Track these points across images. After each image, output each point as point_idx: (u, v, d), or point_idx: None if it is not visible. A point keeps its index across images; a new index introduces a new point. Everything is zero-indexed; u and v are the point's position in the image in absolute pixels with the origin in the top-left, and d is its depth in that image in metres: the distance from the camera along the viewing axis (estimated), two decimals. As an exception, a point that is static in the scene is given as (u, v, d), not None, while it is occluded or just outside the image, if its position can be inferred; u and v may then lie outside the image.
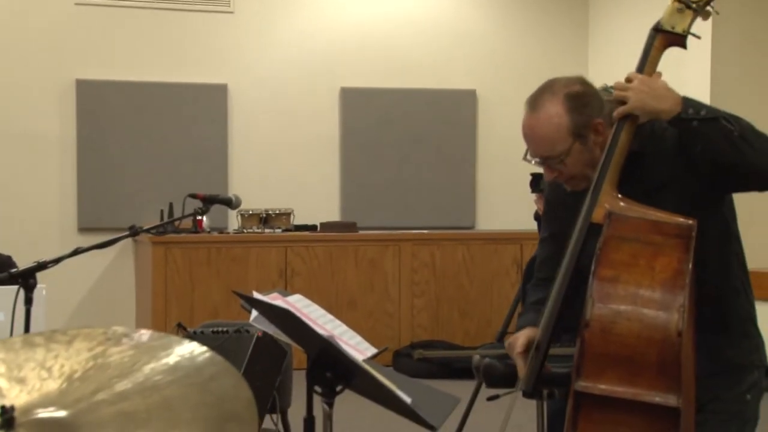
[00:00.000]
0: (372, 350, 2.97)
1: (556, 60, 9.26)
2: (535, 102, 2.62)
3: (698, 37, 2.54)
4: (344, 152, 9.19)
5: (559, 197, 2.78)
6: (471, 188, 9.32)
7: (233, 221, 8.58)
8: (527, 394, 2.64)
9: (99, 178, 8.47)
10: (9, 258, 4.67)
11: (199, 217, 8.09)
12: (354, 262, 8.37)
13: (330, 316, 3.08)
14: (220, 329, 3.92)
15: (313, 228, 8.49)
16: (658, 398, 2.24)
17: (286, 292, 3.02)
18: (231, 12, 8.98)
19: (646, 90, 2.46)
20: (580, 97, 2.60)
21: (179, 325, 3.90)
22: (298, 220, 8.50)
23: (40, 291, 4.09)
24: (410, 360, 7.98)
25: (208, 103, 8.86)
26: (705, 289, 2.49)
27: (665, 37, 2.54)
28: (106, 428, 1.33)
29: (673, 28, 2.52)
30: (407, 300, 8.47)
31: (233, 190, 8.76)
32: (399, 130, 9.11)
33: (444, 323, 8.46)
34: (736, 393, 2.57)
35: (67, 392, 1.39)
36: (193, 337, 3.86)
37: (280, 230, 8.34)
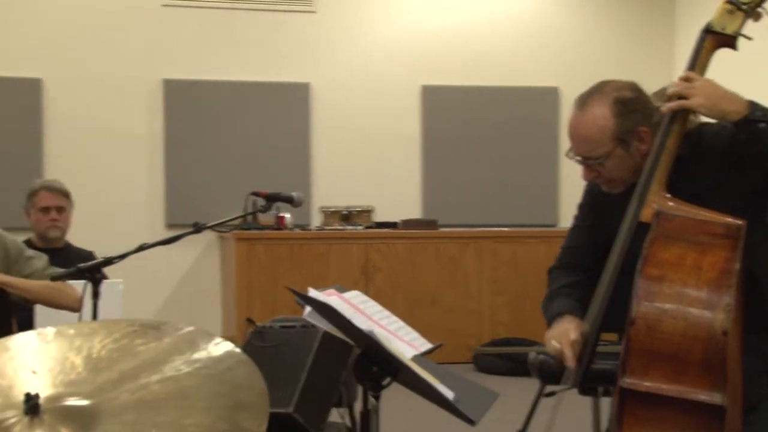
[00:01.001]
0: (427, 346, 3.01)
1: (640, 55, 9.18)
2: (583, 101, 2.65)
3: (749, 39, 2.53)
4: (425, 150, 9.23)
5: (601, 190, 2.78)
6: (553, 186, 9.27)
7: (315, 218, 8.70)
8: (581, 391, 2.67)
9: (186, 176, 8.66)
10: (91, 253, 4.82)
11: (282, 215, 8.25)
12: (435, 259, 8.40)
13: (386, 312, 3.13)
14: (288, 324, 3.97)
15: (394, 225, 8.53)
16: (703, 396, 2.24)
17: (343, 288, 3.08)
18: (314, 11, 9.08)
19: (713, 90, 2.46)
20: (629, 103, 2.61)
21: (248, 320, 3.96)
22: (379, 217, 8.58)
23: (117, 286, 4.25)
24: (491, 357, 8.01)
25: (290, 102, 8.99)
26: (757, 290, 2.49)
27: (715, 39, 2.54)
28: (125, 415, 1.40)
29: (723, 29, 2.51)
30: (488, 297, 8.48)
31: (315, 188, 8.91)
32: (480, 127, 9.12)
33: (525, 321, 8.41)
34: None
35: (92, 381, 1.48)
36: (261, 331, 3.92)
37: (361, 227, 8.42)
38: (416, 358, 2.77)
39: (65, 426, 1.38)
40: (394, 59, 9.16)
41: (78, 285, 3.25)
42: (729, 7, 2.51)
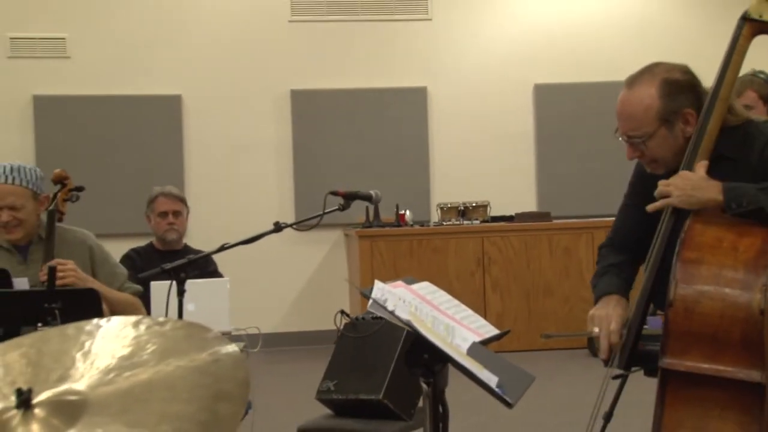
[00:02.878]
0: (492, 332, 2.94)
1: (754, 52, 8.80)
2: (633, 81, 2.58)
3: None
4: (539, 146, 9.12)
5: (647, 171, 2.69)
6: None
7: (434, 214, 8.68)
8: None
9: (313, 179, 8.76)
10: (206, 254, 4.91)
11: (402, 212, 8.27)
12: (548, 250, 8.27)
13: (455, 302, 3.07)
14: (379, 315, 3.97)
15: (509, 219, 8.44)
16: (741, 374, 2.16)
17: (413, 280, 3.04)
18: (429, 19, 9.09)
19: (687, 184, 2.39)
20: (677, 85, 2.53)
21: (342, 312, 3.98)
22: (494, 211, 8.49)
23: (224, 284, 4.31)
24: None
25: (409, 106, 9.01)
26: None
27: (753, 26, 2.46)
28: (112, 406, 1.41)
29: (761, 16, 2.43)
30: (602, 286, 8.27)
31: (433, 185, 8.92)
32: (591, 122, 8.91)
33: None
34: None
35: (84, 374, 1.49)
36: (354, 322, 3.94)
37: (477, 221, 8.36)
38: (474, 345, 2.72)
39: (55, 418, 1.39)
40: (506, 60, 9.08)
41: (164, 284, 3.29)
42: None
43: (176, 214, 4.99)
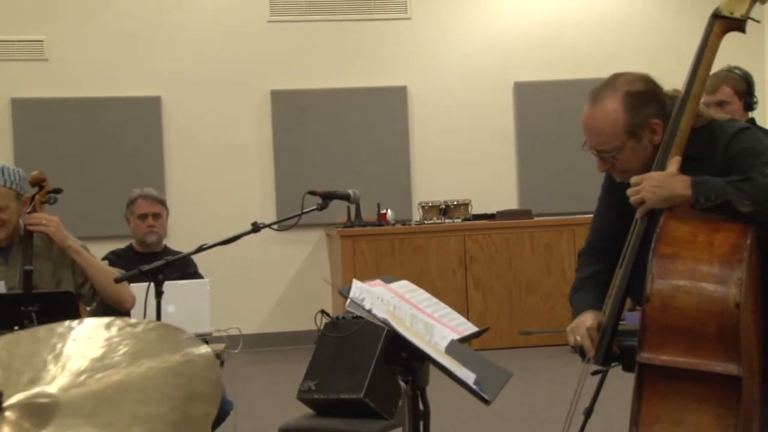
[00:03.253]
0: (472, 329, 2.94)
1: (729, 48, 8.83)
2: (596, 96, 2.58)
3: (757, 21, 2.44)
4: (519, 144, 9.14)
5: None
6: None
7: (416, 213, 8.69)
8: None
9: (294, 178, 8.74)
10: (186, 256, 4.90)
11: (383, 211, 8.27)
12: (530, 247, 8.29)
13: (434, 300, 3.07)
14: (359, 314, 3.96)
15: (490, 217, 8.45)
16: (718, 368, 2.16)
17: (391, 279, 3.04)
18: (408, 18, 9.10)
19: (655, 184, 2.39)
20: (640, 96, 2.53)
21: (322, 312, 3.97)
22: (476, 209, 8.49)
23: (204, 285, 4.30)
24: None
25: (389, 105, 9.01)
26: None
27: (724, 23, 2.48)
28: (84, 408, 1.40)
29: (731, 13, 2.46)
30: (583, 282, 8.30)
31: (415, 184, 8.93)
32: (572, 119, 8.83)
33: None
34: None
35: (55, 376, 1.48)
36: (334, 322, 3.92)
37: (459, 220, 8.37)
38: (452, 343, 2.72)
39: (27, 420, 1.39)
40: (485, 58, 9.10)
41: (142, 286, 3.28)
42: None
43: (156, 216, 4.96)
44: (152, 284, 3.11)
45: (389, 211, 8.32)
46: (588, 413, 3.89)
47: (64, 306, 2.99)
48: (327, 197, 3.50)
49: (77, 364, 1.51)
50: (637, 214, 2.44)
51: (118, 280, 3.39)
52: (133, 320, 1.66)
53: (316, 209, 3.49)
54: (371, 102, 8.97)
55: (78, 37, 8.60)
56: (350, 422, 3.71)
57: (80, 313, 3.19)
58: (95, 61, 8.60)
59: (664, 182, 2.37)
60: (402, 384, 2.51)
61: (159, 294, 3.09)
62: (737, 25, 2.47)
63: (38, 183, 3.72)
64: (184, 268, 4.57)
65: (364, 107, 8.95)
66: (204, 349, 1.55)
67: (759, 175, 2.29)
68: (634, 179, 2.44)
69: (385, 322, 2.41)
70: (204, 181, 8.74)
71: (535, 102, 9.10)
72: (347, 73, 8.98)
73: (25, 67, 8.51)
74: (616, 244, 2.58)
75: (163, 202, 5.05)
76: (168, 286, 3.28)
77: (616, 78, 2.58)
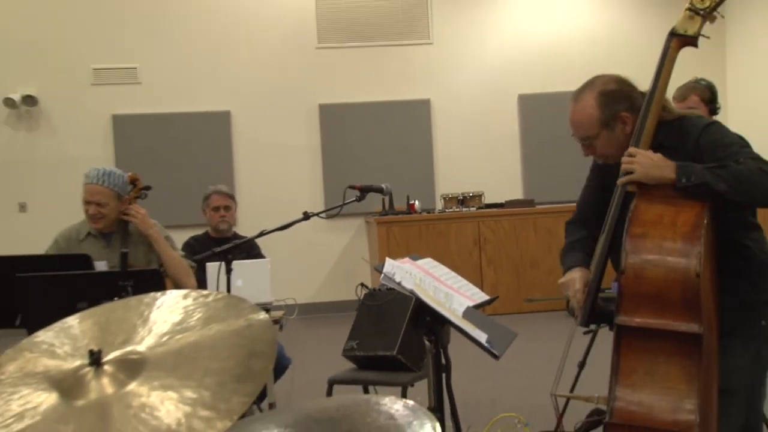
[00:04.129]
0: (484, 298, 2.95)
1: (693, 63, 8.73)
2: (577, 95, 2.58)
3: (707, 38, 2.41)
4: (523, 145, 9.10)
5: None
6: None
7: (438, 203, 8.67)
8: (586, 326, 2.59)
9: (339, 176, 8.77)
10: (251, 240, 4.93)
11: (412, 202, 8.27)
12: (534, 231, 8.25)
13: (453, 273, 3.07)
14: (392, 287, 3.96)
15: (500, 205, 8.43)
16: (683, 327, 2.14)
17: (417, 257, 3.05)
18: (431, 43, 9.07)
19: (647, 161, 2.35)
20: (612, 94, 2.52)
21: (361, 284, 3.98)
22: (488, 199, 8.47)
23: (265, 265, 4.32)
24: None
25: (416, 115, 8.99)
26: (724, 243, 2.37)
27: (679, 40, 2.44)
28: (166, 363, 1.43)
29: (686, 31, 2.43)
30: (578, 258, 8.25)
31: (438, 179, 8.90)
32: (567, 124, 8.83)
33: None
34: (754, 321, 2.40)
35: (143, 337, 1.51)
36: (371, 293, 3.94)
37: (474, 208, 8.35)
38: (468, 309, 2.73)
39: (121, 373, 1.42)
40: (494, 75, 9.06)
41: (215, 265, 3.32)
42: (689, 13, 2.43)
43: (227, 208, 5.00)
44: (223, 263, 3.14)
45: (417, 202, 8.33)
46: (581, 365, 3.88)
47: (152, 281, 3.02)
48: (364, 190, 3.49)
49: (161, 327, 1.54)
50: (619, 181, 2.41)
51: (197, 261, 3.42)
52: (205, 292, 1.69)
53: (356, 200, 3.49)
54: (401, 112, 8.96)
55: (164, 64, 8.67)
56: (386, 374, 3.73)
57: (165, 286, 3.22)
58: (178, 84, 8.67)
59: (656, 163, 2.34)
60: (427, 343, 2.52)
61: (228, 271, 3.12)
62: (691, 41, 2.43)
63: (133, 182, 3.77)
64: (249, 250, 4.59)
65: (395, 117, 8.95)
66: (262, 315, 1.57)
67: (733, 163, 2.27)
68: (630, 150, 2.40)
69: (412, 292, 2.43)
70: (265, 179, 8.79)
71: (535, 110, 9.05)
72: (381, 89, 8.98)
73: (123, 90, 8.59)
74: (598, 217, 2.57)
75: (232, 197, 5.08)
76: (236, 264, 3.31)
77: (594, 79, 2.58)
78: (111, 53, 8.59)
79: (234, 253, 3.19)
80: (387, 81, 8.99)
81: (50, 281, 3.03)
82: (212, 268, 3.73)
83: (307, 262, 8.73)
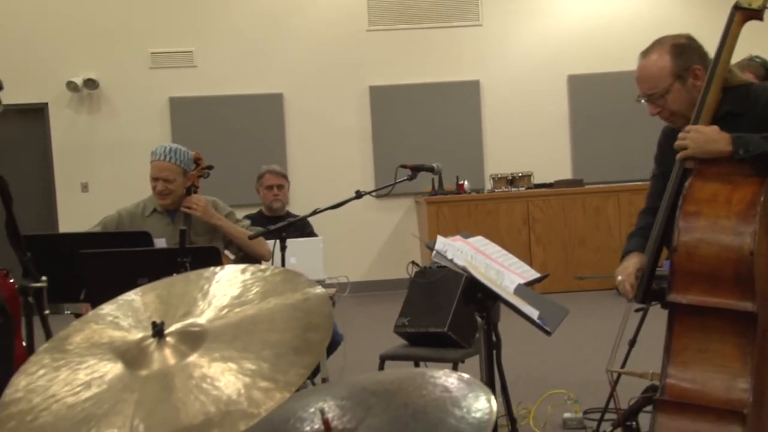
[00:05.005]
0: (534, 275, 2.91)
1: (751, 39, 8.50)
2: (646, 51, 2.54)
3: (773, 11, 2.34)
4: (572, 125, 8.98)
5: (667, 144, 2.62)
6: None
7: (487, 183, 8.61)
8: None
9: (389, 156, 8.74)
10: (303, 219, 4.95)
11: (461, 182, 8.22)
12: (582, 210, 8.16)
13: (504, 251, 3.04)
14: (444, 264, 3.93)
15: (549, 185, 8.34)
16: (736, 306, 2.10)
17: (468, 235, 3.03)
18: (480, 25, 8.98)
19: (701, 137, 2.30)
20: (683, 46, 2.48)
21: (413, 263, 3.97)
22: (537, 179, 8.39)
23: (318, 243, 4.34)
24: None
25: (465, 95, 8.93)
26: None
27: (743, 13, 2.38)
28: (226, 335, 1.44)
29: (750, 4, 2.35)
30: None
31: (487, 159, 8.84)
32: (615, 105, 8.72)
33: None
34: None
35: (203, 310, 1.52)
36: (423, 270, 3.92)
37: (523, 188, 8.28)
38: (520, 287, 2.70)
39: (183, 344, 1.43)
40: (543, 56, 8.94)
41: (270, 243, 3.34)
42: None
43: (279, 187, 5.02)
44: (278, 241, 3.16)
45: (466, 182, 8.28)
46: (632, 343, 3.82)
47: (210, 258, 3.06)
48: (415, 170, 3.48)
49: (220, 301, 1.55)
50: (678, 156, 2.36)
51: (250, 237, 3.45)
52: (263, 266, 1.70)
53: (407, 179, 3.48)
54: (451, 93, 8.89)
55: (219, 48, 8.73)
56: (436, 350, 3.72)
57: (223, 263, 3.25)
58: (232, 67, 8.73)
59: (710, 137, 2.29)
60: (478, 319, 2.50)
61: (283, 248, 3.14)
62: (755, 15, 2.36)
63: (196, 161, 3.80)
64: (302, 228, 4.62)
65: (445, 98, 8.89)
66: (319, 289, 1.56)
67: None
68: (686, 128, 2.35)
69: (464, 269, 2.40)
70: (317, 158, 8.82)
71: (585, 90, 8.92)
72: (431, 70, 8.93)
73: (180, 73, 8.68)
74: None
75: (285, 176, 5.11)
76: (290, 242, 3.33)
77: (663, 37, 2.55)
78: (168, 38, 8.68)
79: (288, 231, 3.21)
80: (436, 62, 8.93)
81: (112, 257, 3.08)
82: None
83: (359, 240, 8.76)
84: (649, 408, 3.10)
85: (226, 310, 1.52)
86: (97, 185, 8.57)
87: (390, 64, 8.89)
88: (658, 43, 2.52)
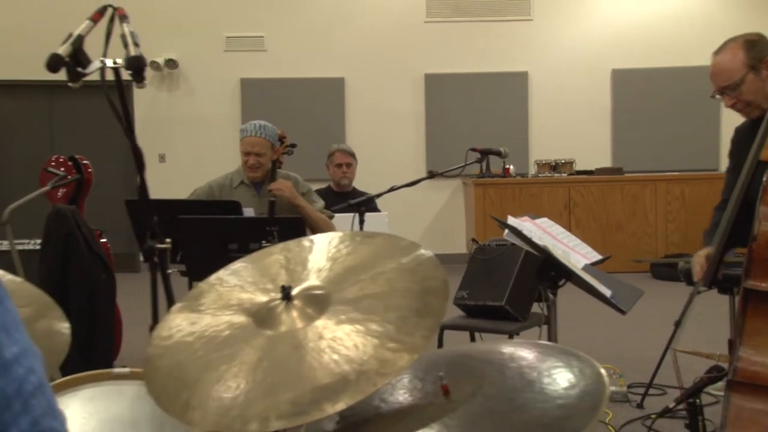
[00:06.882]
0: (597, 257, 2.86)
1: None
2: (718, 49, 2.49)
3: None
4: (614, 116, 8.79)
5: (741, 139, 2.53)
6: (715, 138, 8.57)
7: (531, 168, 8.49)
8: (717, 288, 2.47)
9: (440, 140, 8.70)
10: (368, 195, 4.93)
11: (507, 166, 8.12)
12: (621, 197, 8.01)
13: (567, 233, 2.99)
14: (502, 243, 3.90)
15: (590, 172, 8.20)
16: None
17: (535, 216, 2.97)
18: (531, 19, 8.82)
19: None
20: (756, 42, 2.44)
21: (473, 240, 3.92)
22: (578, 167, 8.25)
23: (382, 218, 4.30)
24: (665, 267, 7.54)
25: (514, 85, 8.79)
26: None
27: None
28: (349, 298, 1.41)
29: None
30: (662, 224, 7.99)
31: (532, 146, 8.72)
32: (655, 98, 8.55)
33: (691, 241, 7.88)
34: None
35: (328, 276, 1.49)
36: (482, 247, 3.87)
37: (565, 174, 8.15)
38: (586, 266, 2.64)
39: (310, 308, 1.40)
40: (590, 50, 8.75)
41: (348, 217, 3.31)
42: None
43: (348, 165, 5.00)
44: (356, 215, 3.12)
45: (512, 167, 8.17)
46: (677, 324, 3.74)
47: (295, 228, 3.04)
48: (484, 153, 3.43)
49: (337, 264, 1.52)
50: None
51: (335, 210, 3.43)
52: (369, 233, 1.66)
53: (476, 162, 3.42)
54: (500, 83, 8.77)
55: (287, 34, 8.70)
56: (494, 322, 3.68)
57: (306, 233, 3.23)
58: (299, 52, 8.70)
59: None
60: (550, 296, 2.44)
61: (361, 221, 3.11)
62: None
63: (280, 139, 3.79)
64: (368, 203, 4.59)
65: (494, 87, 8.77)
66: (428, 252, 1.52)
67: None
68: None
69: (545, 248, 2.34)
70: (373, 141, 8.77)
71: (627, 84, 8.72)
72: (482, 61, 8.80)
73: (250, 56, 8.68)
74: None
75: (353, 155, 5.08)
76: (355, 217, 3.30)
77: (735, 36, 2.47)
78: (241, 23, 8.67)
79: (367, 205, 3.17)
80: (488, 54, 8.80)
81: (207, 223, 3.08)
82: (341, 219, 3.73)
83: (410, 217, 8.72)
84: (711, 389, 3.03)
85: (345, 275, 1.49)
86: (172, 156, 8.63)
87: (445, 54, 8.78)
88: (731, 40, 2.47)
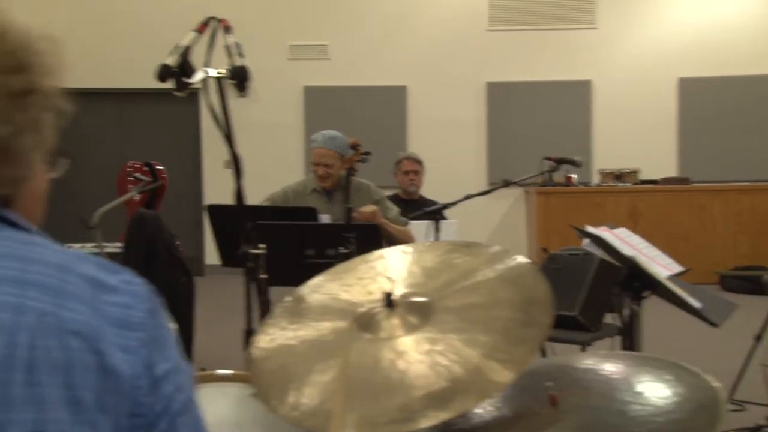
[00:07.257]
0: (678, 269, 2.79)
1: None
2: None
3: None
4: (680, 125, 8.60)
5: None
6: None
7: (595, 177, 8.37)
8: None
9: (502, 149, 8.64)
10: (436, 202, 4.90)
11: (570, 175, 8.01)
12: (687, 207, 7.83)
13: (647, 243, 2.94)
14: (573, 252, 3.84)
15: (654, 182, 8.04)
16: None
17: (613, 226, 2.93)
18: (595, 28, 8.70)
19: None
20: None
21: (543, 249, 3.88)
22: (643, 176, 8.10)
23: (452, 225, 4.28)
24: (733, 278, 7.34)
25: (577, 94, 8.68)
26: None
27: None
28: (451, 307, 1.40)
29: None
30: (731, 235, 7.78)
31: (595, 154, 8.60)
32: (722, 107, 8.34)
33: (763, 253, 7.67)
34: None
35: (427, 284, 1.48)
36: (553, 257, 3.82)
37: (629, 184, 8.01)
38: (669, 278, 2.58)
39: (412, 315, 1.40)
40: (655, 58, 8.58)
41: (423, 224, 3.30)
42: None
43: (416, 172, 5.00)
44: (433, 222, 3.11)
45: (575, 176, 8.06)
46: (758, 338, 3.64)
47: (371, 234, 3.04)
48: (559, 161, 3.38)
49: (438, 274, 1.51)
50: None
51: (410, 218, 3.42)
52: (466, 241, 1.65)
53: (550, 171, 3.38)
54: (563, 91, 8.66)
55: (350, 43, 8.76)
56: (566, 332, 3.62)
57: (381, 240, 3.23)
58: (361, 60, 8.74)
59: None
60: (633, 307, 2.39)
61: (437, 230, 3.10)
62: None
63: (354, 146, 3.80)
64: (441, 211, 4.56)
65: (557, 95, 8.66)
66: (524, 260, 1.50)
67: None
68: None
69: (632, 258, 2.30)
70: (434, 149, 8.65)
71: (694, 94, 8.52)
72: (546, 69, 8.71)
73: (314, 64, 8.75)
74: None
75: (420, 162, 5.07)
76: (430, 224, 3.29)
77: None
78: (305, 32, 8.77)
79: (442, 213, 3.16)
80: (551, 62, 8.71)
81: (285, 229, 3.11)
82: (414, 226, 3.72)
83: (472, 224, 8.63)
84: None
85: (446, 284, 1.48)
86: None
87: (507, 62, 8.72)
88: None
